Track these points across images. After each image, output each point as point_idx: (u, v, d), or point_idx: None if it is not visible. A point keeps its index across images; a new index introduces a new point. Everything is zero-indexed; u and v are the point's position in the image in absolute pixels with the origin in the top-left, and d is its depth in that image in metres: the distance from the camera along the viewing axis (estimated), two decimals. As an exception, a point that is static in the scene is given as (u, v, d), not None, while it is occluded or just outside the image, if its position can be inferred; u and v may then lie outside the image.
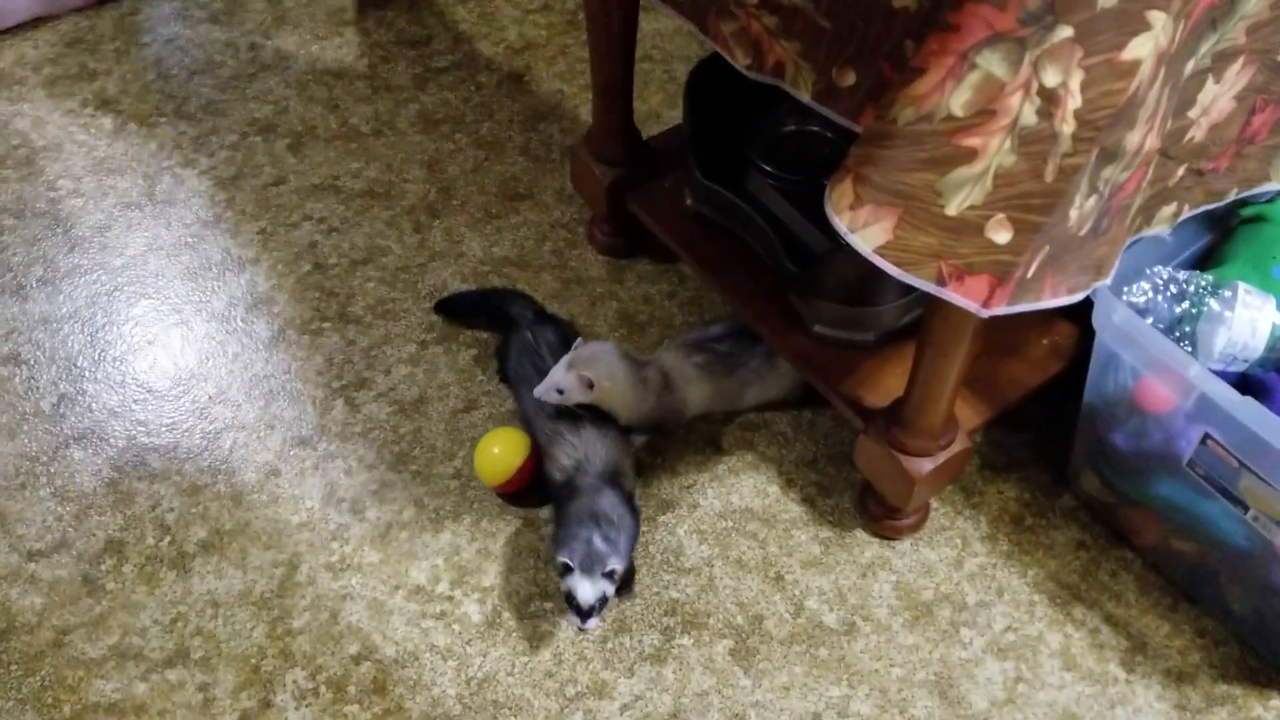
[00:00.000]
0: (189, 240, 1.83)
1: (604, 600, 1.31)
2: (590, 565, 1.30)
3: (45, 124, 1.99)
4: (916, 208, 0.94)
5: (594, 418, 1.44)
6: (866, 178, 0.95)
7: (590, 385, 1.41)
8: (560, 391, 1.42)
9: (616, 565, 1.31)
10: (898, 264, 0.97)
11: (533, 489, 1.49)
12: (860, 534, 1.48)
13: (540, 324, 1.58)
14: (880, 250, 0.96)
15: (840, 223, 0.97)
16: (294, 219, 1.85)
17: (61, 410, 1.61)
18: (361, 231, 1.83)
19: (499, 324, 1.66)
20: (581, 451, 1.42)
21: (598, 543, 1.31)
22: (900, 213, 0.94)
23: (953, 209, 0.93)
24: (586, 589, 1.30)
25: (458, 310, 1.71)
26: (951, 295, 0.98)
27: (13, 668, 1.36)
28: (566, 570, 1.31)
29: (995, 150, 0.90)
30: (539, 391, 1.43)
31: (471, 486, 1.52)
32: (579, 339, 1.47)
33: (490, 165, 1.92)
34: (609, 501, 1.37)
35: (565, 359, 1.43)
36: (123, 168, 1.92)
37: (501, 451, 1.48)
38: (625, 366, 1.45)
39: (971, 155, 0.90)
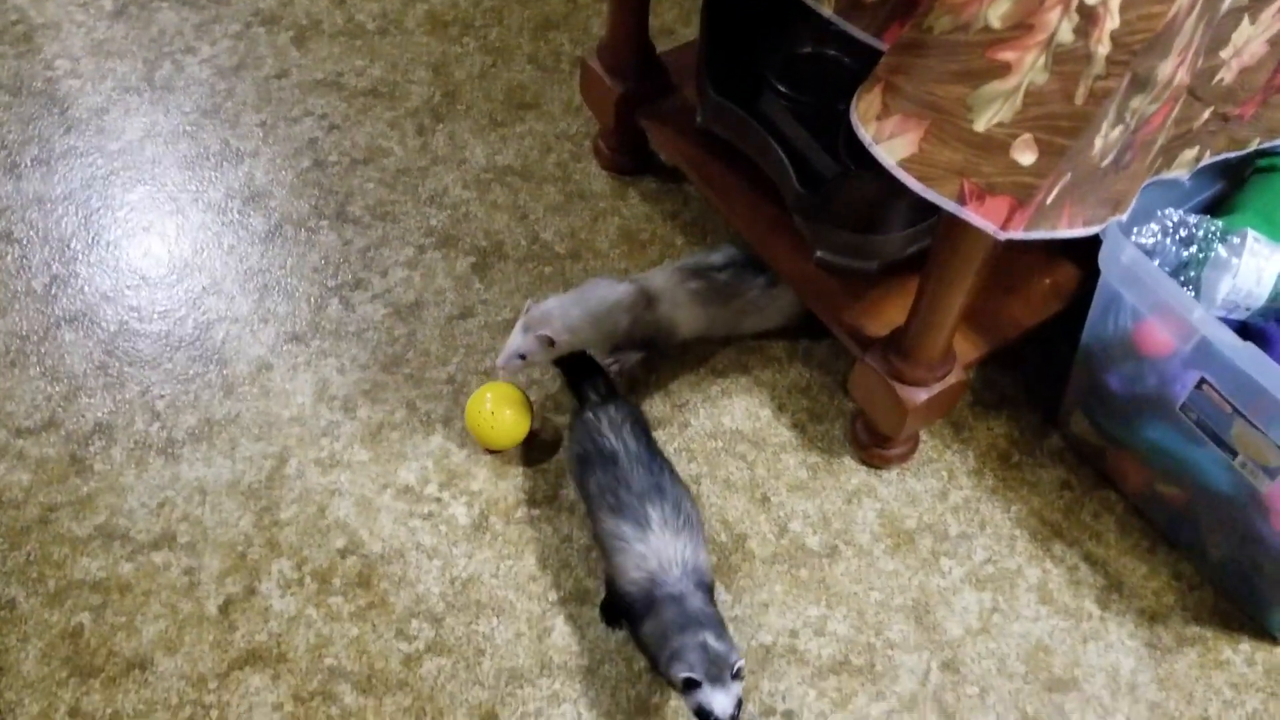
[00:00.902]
0: (187, 128, 1.80)
1: (740, 704, 1.17)
2: (718, 673, 1.16)
3: (44, 1, 1.94)
4: (945, 121, 0.93)
5: (660, 516, 1.28)
6: (897, 87, 0.94)
7: (550, 343, 1.40)
8: (523, 356, 1.41)
9: (740, 661, 1.18)
10: (921, 179, 0.96)
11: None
12: (848, 461, 1.49)
13: (604, 403, 1.40)
14: (904, 163, 0.96)
15: (865, 133, 0.96)
16: (295, 114, 1.82)
17: (53, 291, 1.59)
18: (363, 131, 1.81)
19: (573, 390, 1.49)
20: (654, 561, 1.25)
21: (714, 644, 1.17)
22: (928, 126, 0.94)
23: (981, 125, 0.93)
24: (723, 700, 1.15)
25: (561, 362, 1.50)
26: (971, 215, 0.97)
27: (-2, 541, 1.36)
28: (692, 685, 1.15)
29: (1029, 67, 0.89)
30: (501, 362, 1.42)
31: (464, 393, 1.51)
32: (529, 300, 1.43)
33: (497, 72, 1.89)
34: (700, 600, 1.24)
35: (520, 322, 1.41)
36: (122, 51, 1.88)
37: (499, 429, 1.43)
38: (580, 311, 1.43)
39: (1005, 70, 0.90)
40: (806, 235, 1.45)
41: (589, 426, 1.38)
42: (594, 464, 1.34)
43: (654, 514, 1.28)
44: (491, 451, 1.47)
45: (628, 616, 1.28)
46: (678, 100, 1.62)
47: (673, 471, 1.36)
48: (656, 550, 1.26)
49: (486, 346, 1.56)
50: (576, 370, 1.47)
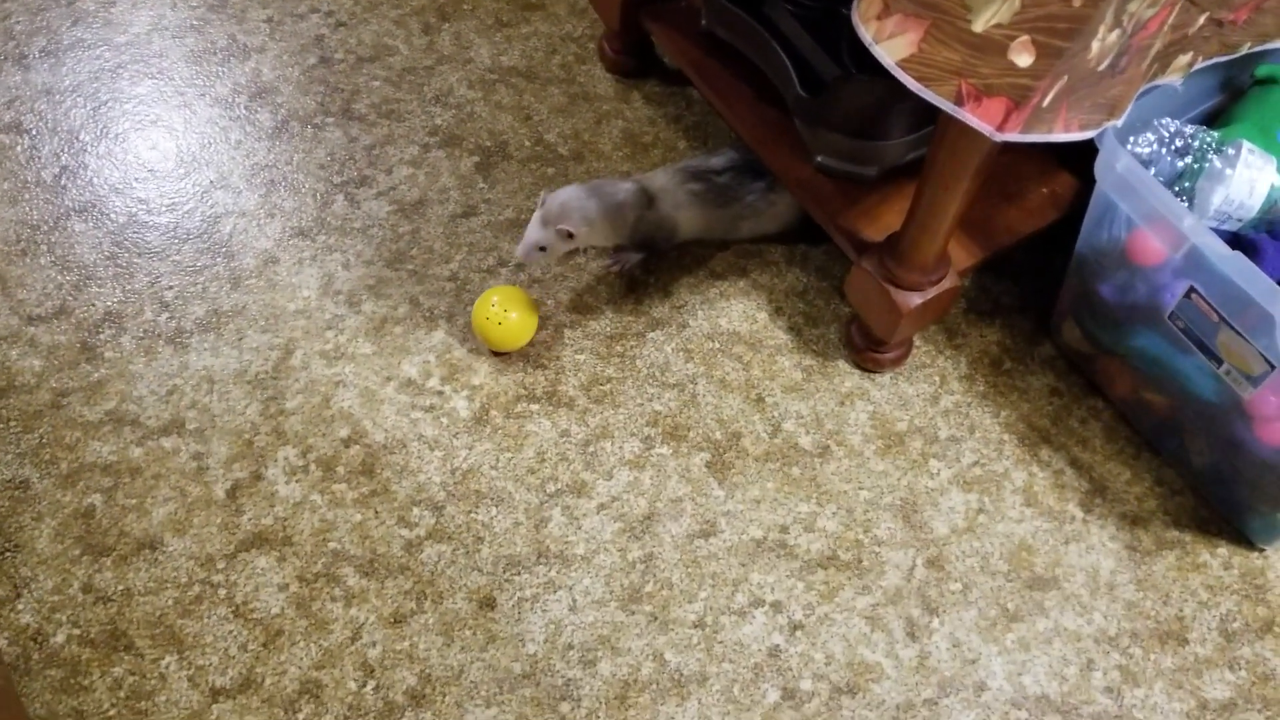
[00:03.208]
0: (194, 22, 1.80)
1: None
2: None
3: (49, -110, 1.93)
4: (943, 22, 0.94)
5: None
6: (896, -15, 0.95)
7: (570, 236, 1.43)
8: (542, 249, 1.43)
9: None
10: (919, 79, 0.97)
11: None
12: (842, 365, 1.52)
13: None
14: (903, 63, 0.97)
15: (866, 32, 0.97)
16: (301, 10, 1.82)
17: (63, 182, 1.61)
18: (369, 28, 1.80)
19: None
20: None
21: None
22: (927, 26, 0.95)
23: (979, 25, 0.93)
24: None
25: None
26: (967, 116, 0.99)
27: (12, 424, 1.40)
28: None
29: None
30: (520, 253, 1.44)
31: (466, 290, 1.54)
32: (544, 191, 1.45)
33: (504, -29, 1.88)
34: None
35: (537, 215, 1.43)
36: (128, -58, 1.88)
37: (506, 329, 1.45)
38: (596, 204, 1.45)
39: None
40: (808, 140, 1.46)
41: None
42: None
43: None
44: (496, 353, 1.50)
45: None
46: (682, 3, 1.62)
47: None
48: None
49: (489, 245, 1.58)
50: None
